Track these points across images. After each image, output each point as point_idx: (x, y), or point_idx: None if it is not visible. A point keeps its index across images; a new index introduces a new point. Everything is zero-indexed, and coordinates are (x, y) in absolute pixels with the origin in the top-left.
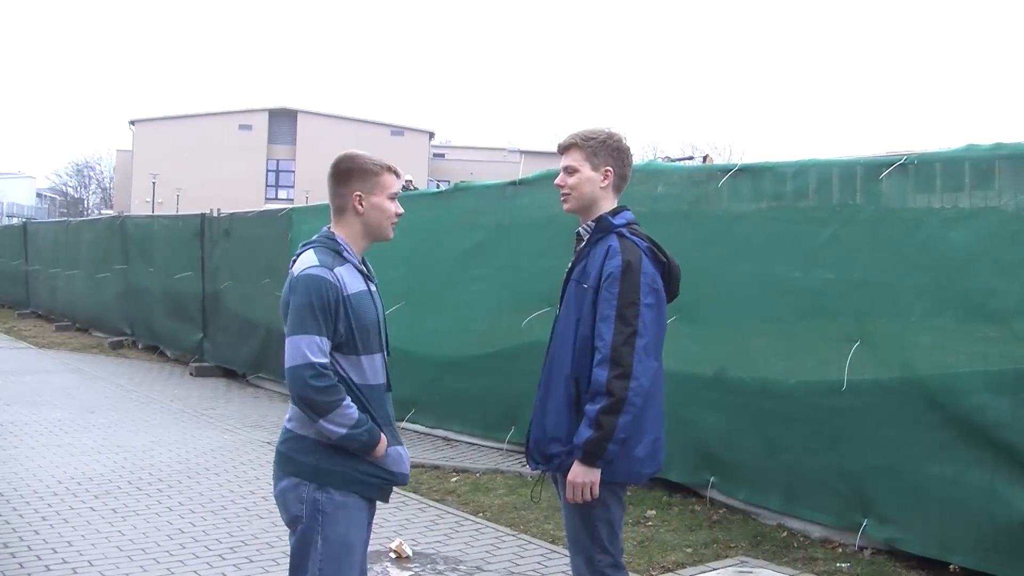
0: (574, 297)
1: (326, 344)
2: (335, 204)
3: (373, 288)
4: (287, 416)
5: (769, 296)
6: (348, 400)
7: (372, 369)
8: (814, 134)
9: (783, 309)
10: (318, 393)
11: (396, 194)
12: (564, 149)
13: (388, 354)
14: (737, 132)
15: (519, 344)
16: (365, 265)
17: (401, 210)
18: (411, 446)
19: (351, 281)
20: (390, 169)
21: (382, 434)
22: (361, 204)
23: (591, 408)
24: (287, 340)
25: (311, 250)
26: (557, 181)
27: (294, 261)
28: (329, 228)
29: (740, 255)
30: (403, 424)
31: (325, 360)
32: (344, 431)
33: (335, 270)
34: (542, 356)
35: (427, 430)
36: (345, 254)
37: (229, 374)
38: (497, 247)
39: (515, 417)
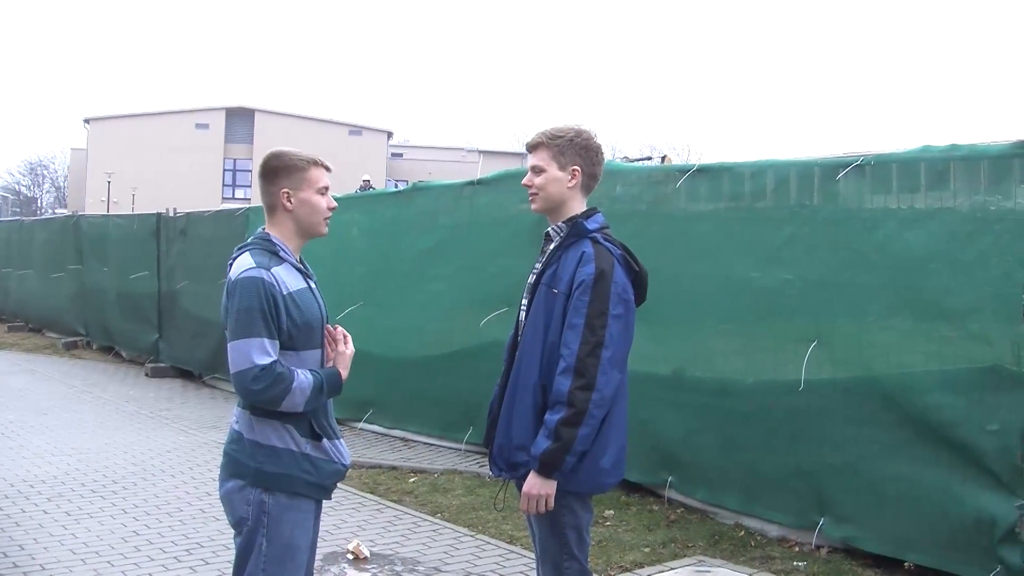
0: (543, 302)
1: (273, 346)
2: (266, 203)
3: (313, 285)
4: (234, 417)
5: (727, 296)
6: (295, 377)
7: (309, 363)
8: (772, 135)
9: (741, 309)
10: (264, 393)
11: (326, 188)
12: (531, 148)
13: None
14: (695, 132)
15: (477, 344)
16: (303, 263)
17: (334, 204)
18: (368, 447)
19: (290, 280)
20: (318, 163)
21: (338, 370)
22: (290, 201)
23: (551, 418)
24: (230, 346)
25: (246, 253)
26: (524, 181)
27: (230, 265)
28: (263, 229)
29: (698, 255)
30: (360, 425)
31: (271, 360)
32: (303, 405)
33: (272, 270)
34: (500, 356)
35: (385, 430)
36: (281, 253)
37: (185, 375)
38: (455, 247)
39: (473, 417)
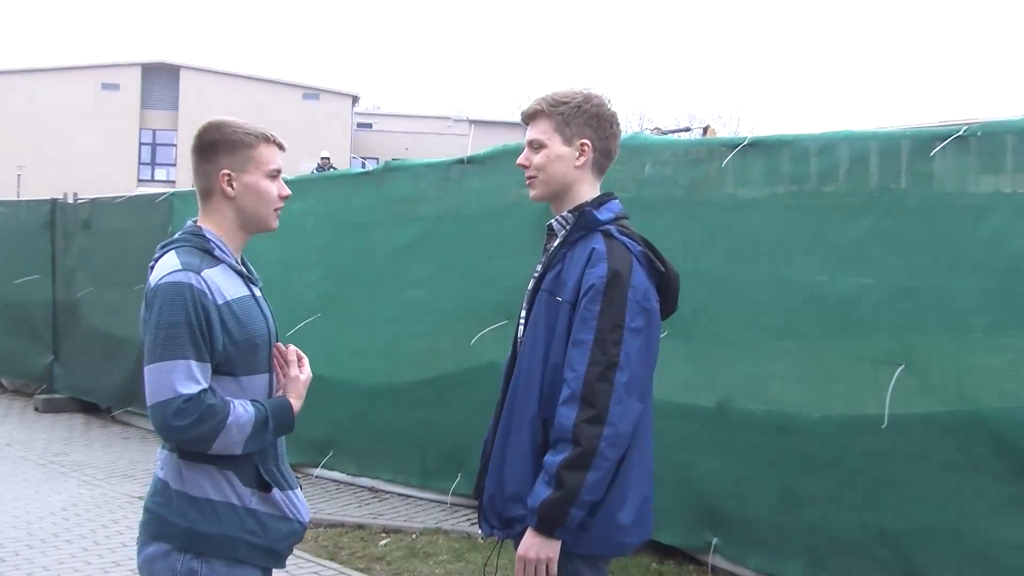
0: (544, 313)
1: (202, 370)
2: (200, 187)
3: (258, 293)
4: (157, 462)
5: (787, 306)
6: (231, 409)
7: (252, 393)
8: (843, 101)
9: (805, 323)
10: (191, 430)
11: (277, 171)
12: (529, 118)
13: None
14: (746, 98)
15: (467, 368)
16: (244, 265)
17: (287, 191)
18: (328, 499)
19: (227, 286)
20: (268, 139)
21: (289, 400)
22: (231, 186)
23: (551, 460)
24: (147, 370)
25: (171, 251)
26: (520, 160)
27: (152, 267)
28: (195, 221)
29: (750, 254)
30: (317, 471)
31: (199, 388)
32: (242, 445)
33: (203, 273)
34: (497, 383)
35: (349, 479)
36: (217, 252)
37: (89, 408)
38: (440, 244)
39: (462, 462)
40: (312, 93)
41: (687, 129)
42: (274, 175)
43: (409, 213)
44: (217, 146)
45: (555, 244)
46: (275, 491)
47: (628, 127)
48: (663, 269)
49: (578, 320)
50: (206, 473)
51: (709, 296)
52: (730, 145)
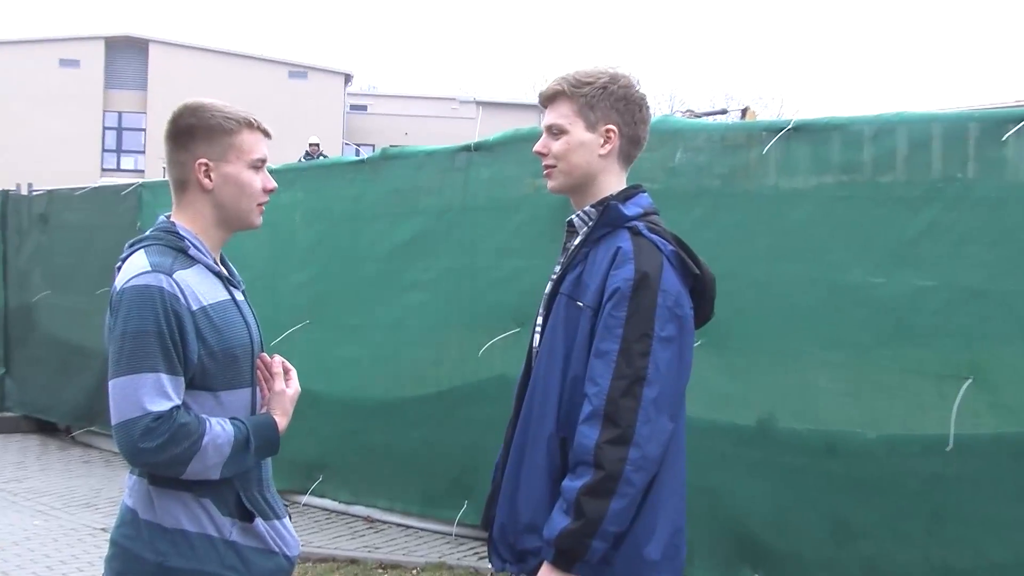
0: (563, 319)
1: (175, 384)
2: (174, 178)
3: (240, 297)
4: (125, 489)
5: (837, 311)
6: (206, 428)
7: (232, 410)
8: (902, 79)
9: (857, 330)
10: (160, 453)
11: (262, 161)
12: (547, 100)
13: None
14: (790, 76)
15: (475, 381)
16: (224, 265)
17: (272, 184)
18: (318, 530)
19: (203, 288)
20: (252, 125)
21: (273, 417)
22: (209, 177)
23: (570, 485)
24: (112, 384)
25: (140, 251)
26: (537, 147)
27: (118, 268)
28: (168, 217)
29: (795, 253)
30: (305, 499)
31: (170, 404)
32: (220, 469)
33: (176, 275)
34: (508, 399)
35: (341, 507)
36: (192, 251)
37: (45, 428)
38: (444, 241)
39: (469, 488)
40: (299, 71)
41: (723, 111)
42: (258, 165)
43: (409, 207)
44: (193, 132)
45: (576, 242)
46: (258, 521)
47: (657, 109)
48: (697, 271)
49: (601, 328)
50: (180, 501)
51: (748, 300)
52: (772, 129)
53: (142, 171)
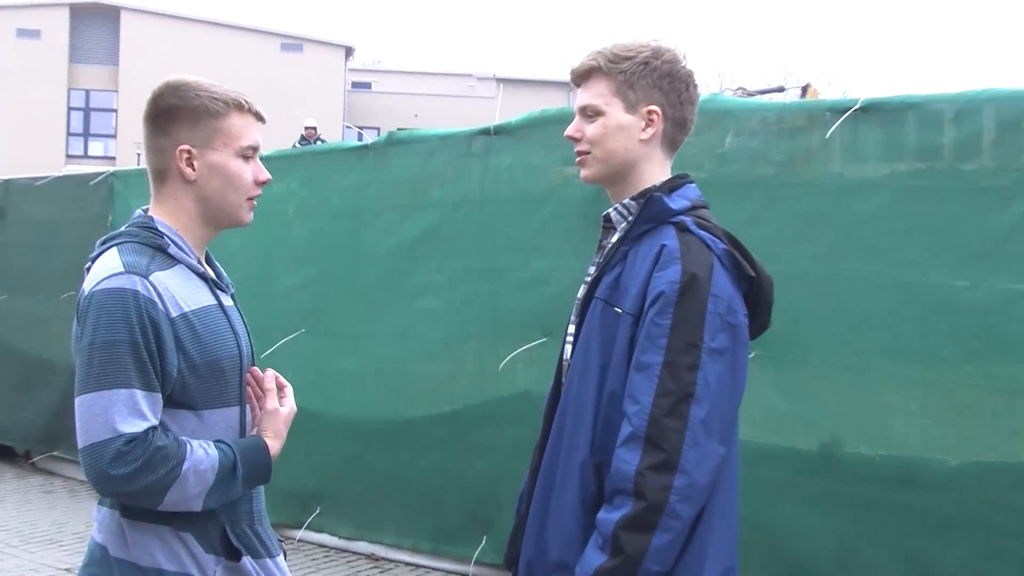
0: (599, 328)
1: (149, 401)
2: (153, 165)
3: (228, 302)
4: (95, 523)
5: (913, 320)
6: (188, 452)
7: (218, 432)
8: (986, 52)
9: (937, 342)
10: (134, 480)
11: (253, 149)
12: (581, 77)
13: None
14: (856, 49)
15: (495, 399)
16: (211, 266)
17: (265, 175)
18: (315, 569)
19: (184, 292)
20: (243, 106)
21: (264, 440)
22: (191, 166)
23: (607, 517)
24: (77, 403)
25: (113, 248)
26: (569, 131)
27: (87, 269)
28: (145, 211)
29: (864, 251)
30: (300, 533)
31: (145, 425)
32: (202, 499)
33: (152, 277)
34: (535, 419)
35: (342, 543)
36: (172, 250)
37: (1, 453)
38: (459, 238)
39: (488, 521)
40: (293, 43)
41: (780, 89)
42: (248, 154)
43: (419, 199)
44: (175, 114)
45: (613, 240)
46: (246, 560)
47: (704, 87)
48: (752, 273)
49: (643, 338)
50: (157, 536)
51: (810, 306)
52: (837, 109)
53: (113, 158)
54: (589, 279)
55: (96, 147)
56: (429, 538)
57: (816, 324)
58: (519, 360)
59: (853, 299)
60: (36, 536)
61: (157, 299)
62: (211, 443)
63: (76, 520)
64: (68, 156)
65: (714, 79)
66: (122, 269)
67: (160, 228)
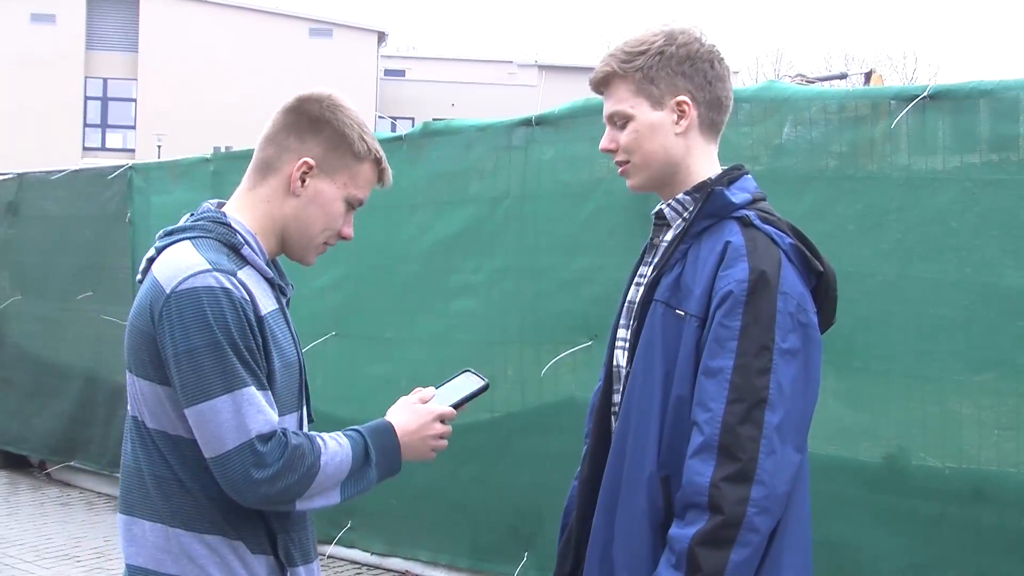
0: (661, 332)
1: (268, 399)
2: (265, 156)
3: (285, 307)
4: (123, 539)
5: (987, 324)
6: (322, 445)
7: None
8: None
9: (1012, 347)
10: (278, 481)
11: (360, 204)
12: (600, 85)
13: (311, 416)
14: (924, 33)
15: (538, 406)
16: (276, 269)
17: (350, 232)
18: None
19: (259, 294)
20: (380, 162)
21: (388, 420)
22: (304, 180)
23: (680, 533)
24: (194, 411)
25: (187, 242)
26: (603, 144)
27: (151, 261)
28: (218, 205)
29: (933, 249)
30: (331, 549)
31: (275, 423)
32: (339, 491)
33: (238, 275)
34: (578, 428)
35: (374, 559)
36: (245, 250)
37: (15, 463)
38: (499, 235)
39: (530, 537)
40: (323, 28)
41: (843, 76)
42: (354, 205)
43: (456, 193)
44: (321, 128)
45: (668, 237)
46: (301, 569)
47: (761, 74)
48: (821, 268)
49: (711, 341)
50: (207, 547)
51: (875, 309)
52: (903, 97)
53: (132, 150)
54: (642, 280)
55: (114, 139)
56: (467, 555)
57: (880, 328)
58: (562, 365)
59: (920, 301)
60: (51, 551)
61: (248, 298)
62: (339, 433)
63: (94, 534)
64: (84, 148)
65: (771, 65)
66: (208, 267)
67: (234, 226)
